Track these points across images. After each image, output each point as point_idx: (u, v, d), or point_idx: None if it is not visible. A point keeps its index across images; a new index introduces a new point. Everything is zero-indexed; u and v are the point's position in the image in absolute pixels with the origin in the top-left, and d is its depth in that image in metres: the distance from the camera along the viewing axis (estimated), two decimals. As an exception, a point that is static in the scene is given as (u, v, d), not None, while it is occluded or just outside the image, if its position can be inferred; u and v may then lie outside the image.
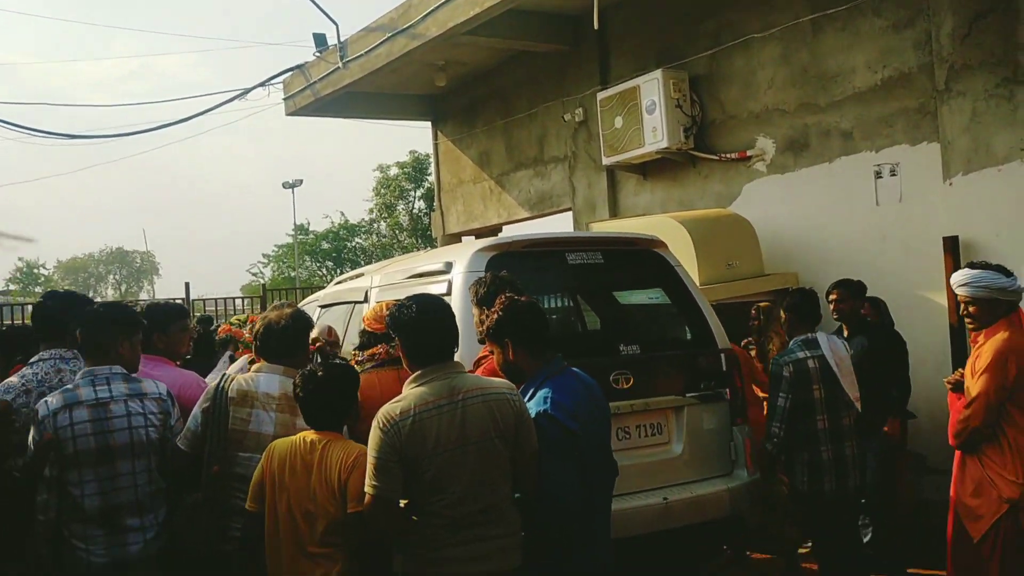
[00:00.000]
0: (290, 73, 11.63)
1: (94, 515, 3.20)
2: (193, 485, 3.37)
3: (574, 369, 3.20)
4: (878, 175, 7.01)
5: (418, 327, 2.98)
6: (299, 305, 5.64)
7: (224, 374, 3.56)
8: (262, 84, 11.65)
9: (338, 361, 3.77)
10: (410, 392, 2.93)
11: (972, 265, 4.16)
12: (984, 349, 3.98)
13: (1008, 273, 4.06)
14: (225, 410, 3.33)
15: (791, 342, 4.77)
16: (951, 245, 6.31)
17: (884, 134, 6.94)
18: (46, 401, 3.24)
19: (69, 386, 3.31)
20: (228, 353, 5.14)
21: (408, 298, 3.10)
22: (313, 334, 5.33)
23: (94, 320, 3.38)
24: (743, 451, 4.69)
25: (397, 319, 3.04)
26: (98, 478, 3.20)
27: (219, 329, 5.84)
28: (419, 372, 2.97)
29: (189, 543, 3.33)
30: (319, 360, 4.43)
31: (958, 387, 4.18)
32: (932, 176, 6.56)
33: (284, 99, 11.79)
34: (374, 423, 2.89)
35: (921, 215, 6.67)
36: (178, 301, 12.46)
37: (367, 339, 4.07)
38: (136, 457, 3.28)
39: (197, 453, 3.37)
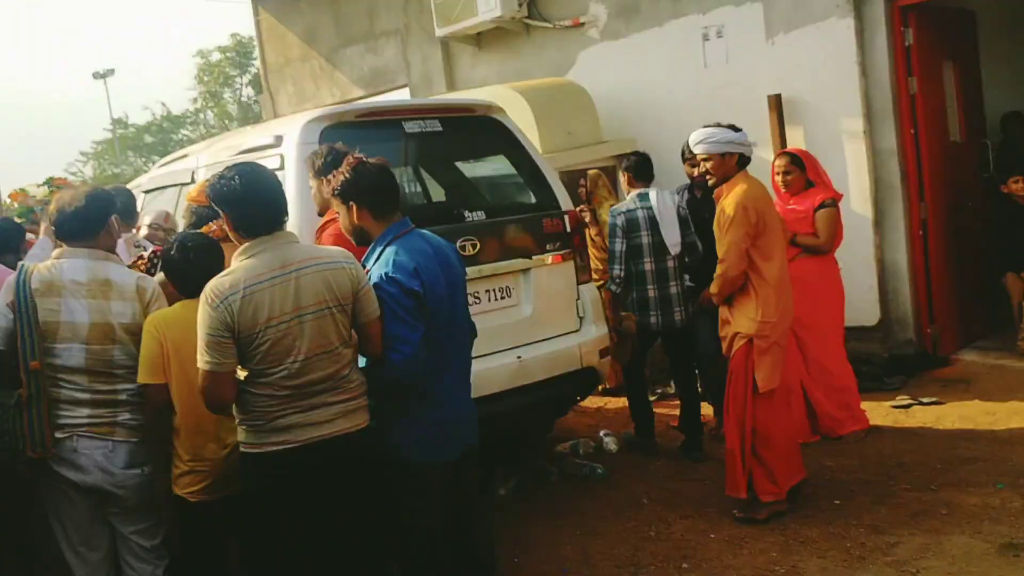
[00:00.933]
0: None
1: None
2: (11, 383, 3.14)
3: (422, 231, 3.13)
4: (705, 37, 7.14)
5: (244, 198, 2.85)
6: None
7: (22, 264, 3.26)
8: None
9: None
10: (239, 265, 2.83)
11: (705, 126, 4.44)
12: (726, 203, 4.27)
13: (737, 129, 4.40)
14: (32, 302, 3.09)
15: (627, 196, 5.21)
16: (775, 103, 6.58)
17: (711, -5, 7.05)
18: None
19: None
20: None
21: (228, 168, 2.93)
22: (147, 220, 5.03)
23: None
24: (590, 307, 4.84)
25: (219, 192, 2.88)
26: None
27: (9, 195, 5.16)
28: (248, 244, 2.86)
29: (17, 444, 3.12)
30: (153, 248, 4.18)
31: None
32: (756, 36, 6.74)
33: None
34: (202, 299, 2.78)
35: (747, 75, 6.87)
36: (-15, 203, 11.46)
37: (196, 218, 3.85)
38: None
39: (11, 349, 3.12)
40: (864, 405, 5.41)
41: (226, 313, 2.72)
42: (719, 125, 4.38)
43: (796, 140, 6.52)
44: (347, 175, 3.04)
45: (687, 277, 5.33)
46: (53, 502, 3.24)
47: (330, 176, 3.13)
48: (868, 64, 6.26)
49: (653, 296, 5.20)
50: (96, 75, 35.50)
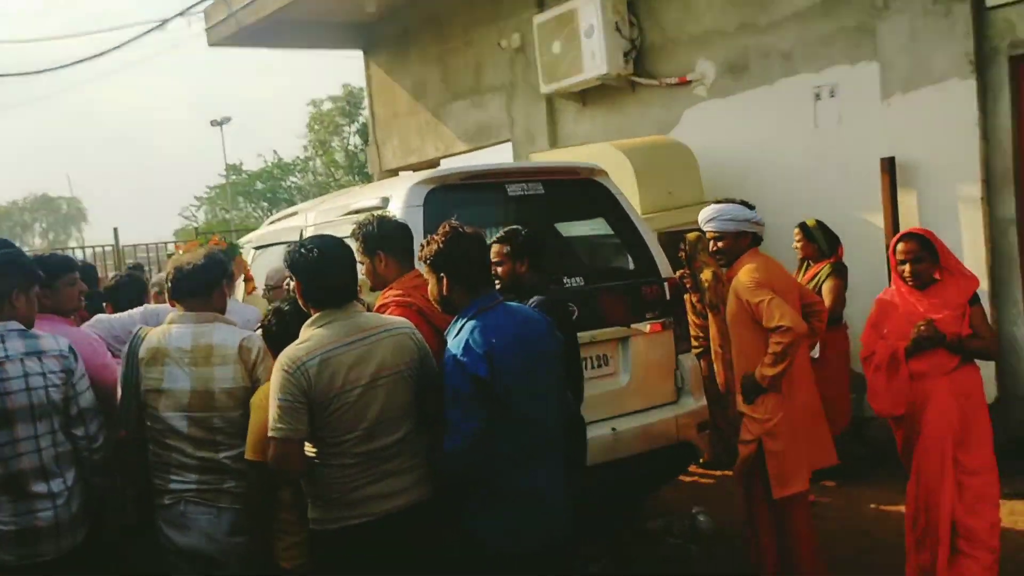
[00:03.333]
0: (211, 1, 11.09)
1: None
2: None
3: (512, 304, 3.04)
4: (817, 97, 6.98)
5: (318, 271, 2.90)
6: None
7: (136, 332, 3.34)
8: (181, 14, 11.13)
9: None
10: (312, 334, 2.86)
11: (717, 201, 4.26)
12: (741, 280, 4.07)
13: (751, 206, 4.19)
14: (136, 371, 3.20)
15: None
16: (888, 166, 6.34)
17: (823, 55, 6.89)
18: None
19: None
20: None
21: (309, 239, 3.02)
22: (271, 277, 5.13)
23: None
24: (689, 378, 4.70)
25: (296, 261, 2.94)
26: None
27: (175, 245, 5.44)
28: (319, 314, 2.91)
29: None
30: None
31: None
32: (871, 97, 6.54)
33: (206, 29, 11.25)
34: (277, 365, 2.81)
35: (860, 136, 6.67)
36: (107, 248, 12.01)
37: None
38: (37, 420, 3.05)
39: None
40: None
41: (303, 379, 2.75)
42: (730, 200, 4.22)
43: (908, 206, 6.26)
44: (440, 245, 2.95)
45: None
46: (161, 568, 3.25)
47: (423, 242, 3.06)
48: (989, 128, 5.99)
49: None
50: (214, 122, 37.22)
